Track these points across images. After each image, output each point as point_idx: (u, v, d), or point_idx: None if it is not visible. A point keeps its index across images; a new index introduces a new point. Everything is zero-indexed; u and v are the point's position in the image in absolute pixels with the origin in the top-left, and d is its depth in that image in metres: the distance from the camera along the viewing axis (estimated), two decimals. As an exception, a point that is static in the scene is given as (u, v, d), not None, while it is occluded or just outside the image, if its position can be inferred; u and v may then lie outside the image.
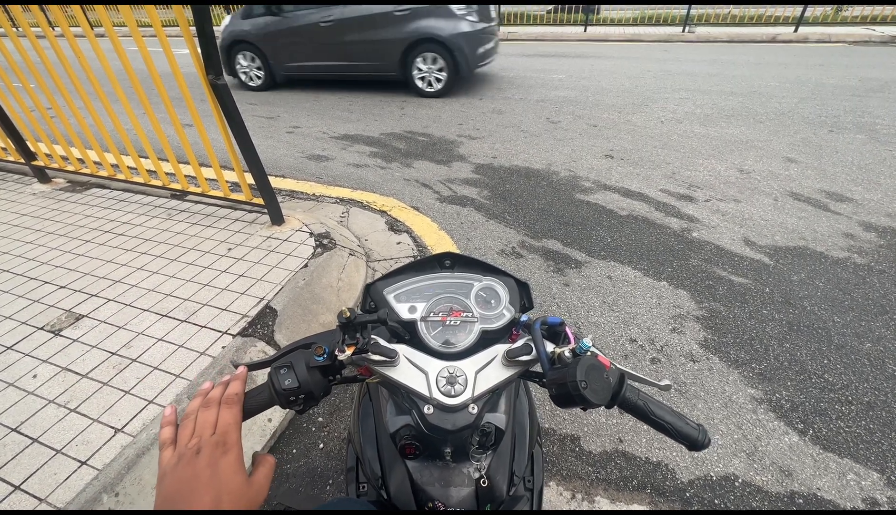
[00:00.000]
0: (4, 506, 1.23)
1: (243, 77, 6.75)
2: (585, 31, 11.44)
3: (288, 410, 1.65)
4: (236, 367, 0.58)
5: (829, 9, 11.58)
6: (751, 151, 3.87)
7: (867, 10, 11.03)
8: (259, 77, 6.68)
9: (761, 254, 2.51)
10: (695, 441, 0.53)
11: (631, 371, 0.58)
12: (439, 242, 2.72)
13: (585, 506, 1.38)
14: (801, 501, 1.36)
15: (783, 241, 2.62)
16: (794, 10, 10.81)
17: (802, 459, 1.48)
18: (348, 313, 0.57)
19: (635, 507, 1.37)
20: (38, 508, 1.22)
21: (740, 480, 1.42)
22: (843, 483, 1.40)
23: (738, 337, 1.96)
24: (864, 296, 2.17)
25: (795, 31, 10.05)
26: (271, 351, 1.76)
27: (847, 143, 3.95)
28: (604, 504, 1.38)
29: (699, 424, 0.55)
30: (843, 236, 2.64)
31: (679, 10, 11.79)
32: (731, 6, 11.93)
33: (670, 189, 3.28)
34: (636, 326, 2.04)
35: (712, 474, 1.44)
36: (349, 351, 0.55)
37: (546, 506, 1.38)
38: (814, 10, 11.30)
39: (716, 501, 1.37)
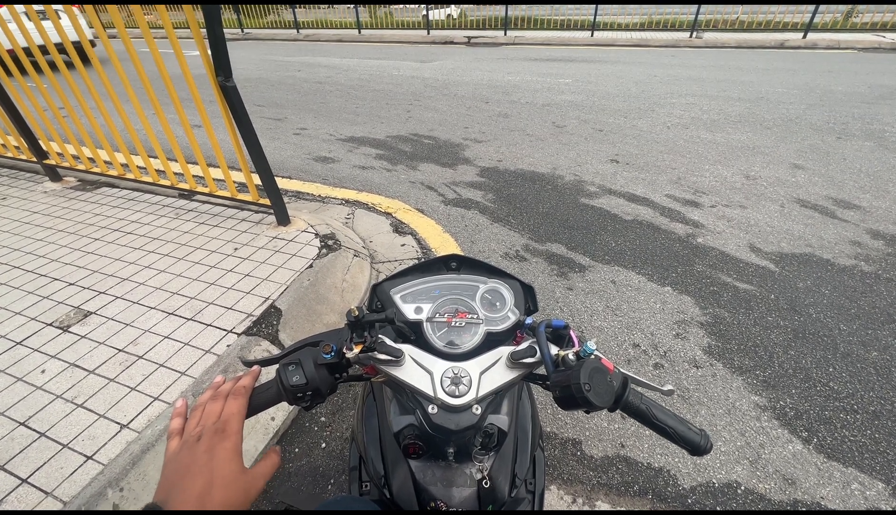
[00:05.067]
0: (12, 499, 1.24)
1: None
2: (592, 35, 11.44)
3: (291, 409, 1.66)
4: (247, 364, 0.59)
5: (838, 15, 11.51)
6: (757, 157, 3.86)
7: (877, 16, 10.96)
8: None
9: (767, 261, 2.50)
10: (697, 446, 0.54)
11: (634, 375, 0.58)
12: (444, 244, 2.73)
13: (587, 510, 1.38)
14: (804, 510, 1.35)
15: (789, 248, 2.61)
16: (802, 17, 10.76)
17: (806, 467, 1.47)
18: (357, 312, 0.57)
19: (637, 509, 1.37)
20: (43, 503, 1.23)
21: (743, 487, 1.41)
22: (847, 492, 1.39)
23: (743, 344, 1.95)
24: (871, 304, 2.15)
25: (804, 37, 10.00)
26: (276, 350, 1.77)
27: (855, 150, 3.93)
28: (605, 509, 1.38)
29: (701, 429, 0.55)
30: (851, 244, 2.62)
31: (687, 16, 11.76)
32: (740, 11, 11.90)
33: (676, 194, 3.27)
34: (640, 331, 2.04)
35: (714, 480, 1.44)
36: (357, 350, 0.56)
37: (547, 509, 1.38)
38: (823, 17, 11.24)
39: (718, 509, 1.37)
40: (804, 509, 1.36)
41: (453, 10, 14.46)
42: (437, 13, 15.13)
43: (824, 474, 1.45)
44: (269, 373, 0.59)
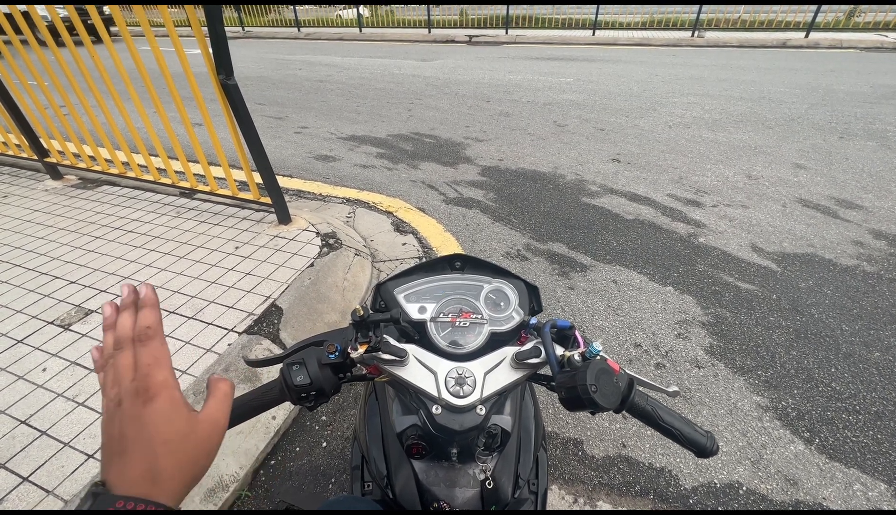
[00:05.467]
0: (13, 497, 1.24)
1: None
2: (594, 34, 11.42)
3: (292, 408, 1.66)
4: (249, 364, 0.58)
5: (840, 14, 11.48)
6: (759, 157, 3.85)
7: (880, 15, 10.94)
8: None
9: (769, 260, 2.50)
10: (703, 448, 0.53)
11: (639, 376, 0.58)
12: (445, 243, 2.72)
13: (588, 510, 1.38)
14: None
15: (791, 247, 2.60)
16: (805, 16, 10.73)
17: (808, 468, 1.46)
18: (362, 312, 0.57)
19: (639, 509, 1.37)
20: (44, 501, 1.23)
21: (745, 488, 1.41)
22: (849, 493, 1.39)
23: (745, 344, 1.95)
24: (874, 304, 2.15)
25: (806, 36, 9.98)
26: (277, 349, 1.77)
27: (857, 150, 3.92)
28: (606, 509, 1.38)
29: (707, 431, 0.55)
30: (853, 244, 2.61)
31: (689, 15, 11.74)
32: (742, 10, 11.87)
33: (677, 194, 3.26)
34: (641, 331, 2.04)
35: (716, 481, 1.43)
36: (362, 350, 0.56)
37: (549, 509, 1.38)
38: (825, 16, 11.21)
39: (719, 509, 1.37)
40: (806, 510, 1.35)
41: (362, 9, 14.87)
42: (347, 12, 15.68)
43: (826, 475, 1.44)
44: (271, 373, 0.58)
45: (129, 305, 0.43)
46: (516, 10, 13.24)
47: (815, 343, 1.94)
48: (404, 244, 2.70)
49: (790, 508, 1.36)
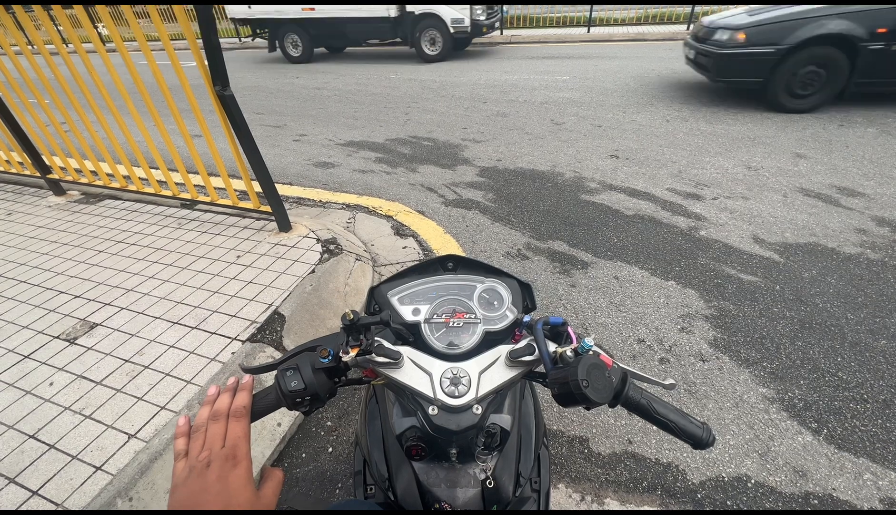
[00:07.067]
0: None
1: None
2: (589, 31, 11.41)
3: (297, 414, 1.67)
4: (245, 371, 0.58)
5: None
6: (758, 148, 3.83)
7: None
8: None
9: (771, 251, 2.48)
10: (699, 440, 0.53)
11: (634, 370, 0.58)
12: (445, 245, 2.73)
13: (595, 508, 1.37)
14: (816, 502, 1.34)
15: (793, 237, 2.59)
16: (800, 5, 10.68)
17: (817, 459, 1.45)
18: (352, 316, 0.57)
19: (645, 508, 1.36)
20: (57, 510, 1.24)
21: (753, 481, 1.40)
22: (859, 483, 1.38)
23: (749, 336, 1.94)
24: (879, 292, 2.13)
25: (802, 25, 9.91)
26: (280, 356, 1.78)
27: (858, 137, 3.89)
28: (614, 506, 1.37)
29: (703, 422, 0.55)
30: (856, 232, 2.59)
31: (683, 9, 11.72)
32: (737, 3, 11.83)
33: (677, 188, 3.25)
34: (644, 326, 2.03)
35: (724, 475, 1.43)
36: (353, 353, 0.56)
37: (555, 508, 1.38)
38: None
39: (728, 503, 1.36)
40: (816, 503, 1.34)
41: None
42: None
43: (835, 465, 1.43)
44: (272, 379, 0.58)
45: (230, 389, 0.54)
46: (511, 10, 13.26)
47: (820, 333, 1.92)
48: (405, 248, 2.70)
49: (800, 499, 1.35)
